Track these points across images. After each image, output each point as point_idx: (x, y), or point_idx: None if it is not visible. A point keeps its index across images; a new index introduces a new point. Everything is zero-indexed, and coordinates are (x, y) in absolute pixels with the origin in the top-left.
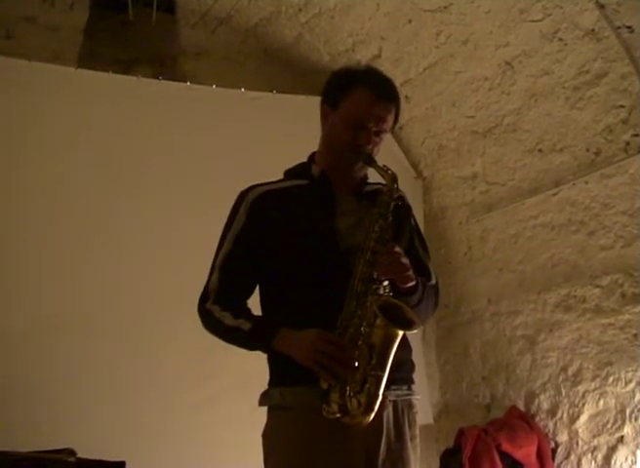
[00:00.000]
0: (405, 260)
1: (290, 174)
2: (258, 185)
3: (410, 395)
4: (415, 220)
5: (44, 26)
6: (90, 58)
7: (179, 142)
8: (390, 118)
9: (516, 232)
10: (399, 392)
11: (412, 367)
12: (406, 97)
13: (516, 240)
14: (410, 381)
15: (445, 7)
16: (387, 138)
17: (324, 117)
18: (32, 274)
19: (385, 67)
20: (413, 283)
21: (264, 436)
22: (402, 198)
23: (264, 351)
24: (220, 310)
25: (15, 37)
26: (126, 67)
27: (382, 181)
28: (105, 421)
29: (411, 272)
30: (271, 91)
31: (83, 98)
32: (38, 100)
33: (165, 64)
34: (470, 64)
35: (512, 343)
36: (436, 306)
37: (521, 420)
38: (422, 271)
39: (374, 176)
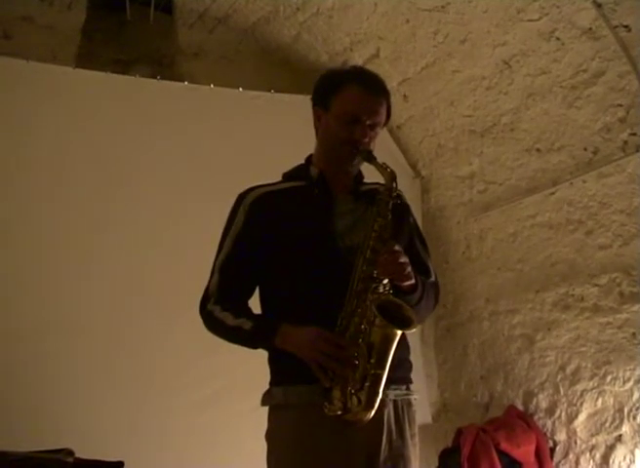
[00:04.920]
0: (404, 259)
1: (288, 176)
2: (256, 187)
3: (409, 395)
4: (414, 218)
5: (42, 26)
6: (88, 58)
7: (177, 142)
8: (382, 111)
9: (514, 231)
10: (398, 392)
11: (410, 366)
12: (404, 96)
13: (514, 239)
14: (408, 381)
15: (442, 6)
16: (385, 138)
17: (317, 119)
18: (31, 275)
19: (383, 67)
20: (412, 281)
21: (268, 436)
22: (399, 197)
23: (267, 349)
24: (221, 310)
25: (12, 37)
26: (124, 67)
27: (377, 180)
28: (104, 421)
29: (410, 271)
30: (269, 90)
31: (81, 98)
32: (36, 100)
33: (163, 64)
34: (468, 64)
35: (510, 342)
36: (436, 303)
37: (519, 419)
38: (422, 269)
39: (369, 174)
